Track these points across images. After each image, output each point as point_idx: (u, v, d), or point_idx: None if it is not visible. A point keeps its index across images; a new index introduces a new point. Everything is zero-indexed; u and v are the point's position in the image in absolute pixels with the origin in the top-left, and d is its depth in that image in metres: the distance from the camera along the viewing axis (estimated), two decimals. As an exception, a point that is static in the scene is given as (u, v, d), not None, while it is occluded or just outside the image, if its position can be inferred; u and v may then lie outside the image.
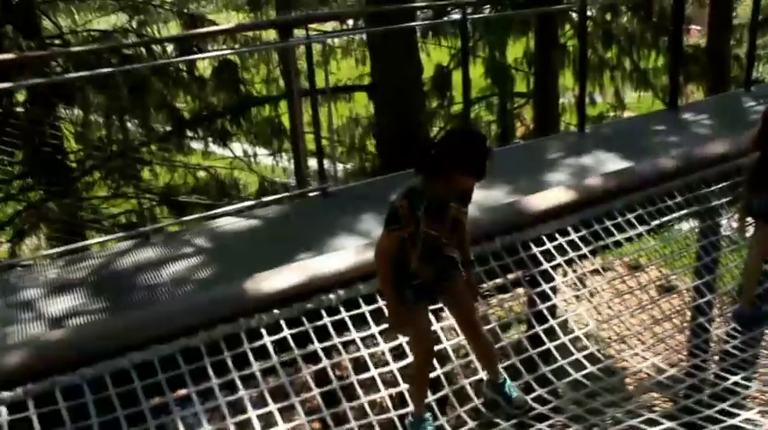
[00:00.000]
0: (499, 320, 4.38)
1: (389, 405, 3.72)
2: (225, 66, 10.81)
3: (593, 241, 4.77)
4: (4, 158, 8.74)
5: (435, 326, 3.95)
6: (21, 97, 9.10)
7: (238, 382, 3.60)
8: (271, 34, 11.74)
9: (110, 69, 5.40)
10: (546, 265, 4.53)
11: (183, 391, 3.58)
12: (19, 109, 9.07)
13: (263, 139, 11.65)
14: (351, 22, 13.15)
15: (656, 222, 5.11)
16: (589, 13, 10.71)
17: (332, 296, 3.99)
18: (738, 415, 3.39)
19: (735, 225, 5.31)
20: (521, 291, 4.58)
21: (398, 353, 3.95)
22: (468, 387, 3.86)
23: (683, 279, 5.47)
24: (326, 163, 6.37)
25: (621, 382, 4.23)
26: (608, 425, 3.46)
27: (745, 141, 5.68)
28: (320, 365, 3.80)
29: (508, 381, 3.68)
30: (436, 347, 3.88)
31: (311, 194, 6.12)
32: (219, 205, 6.45)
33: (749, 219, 5.25)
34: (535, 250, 4.55)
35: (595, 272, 4.99)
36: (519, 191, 5.42)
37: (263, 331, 3.79)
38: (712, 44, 11.93)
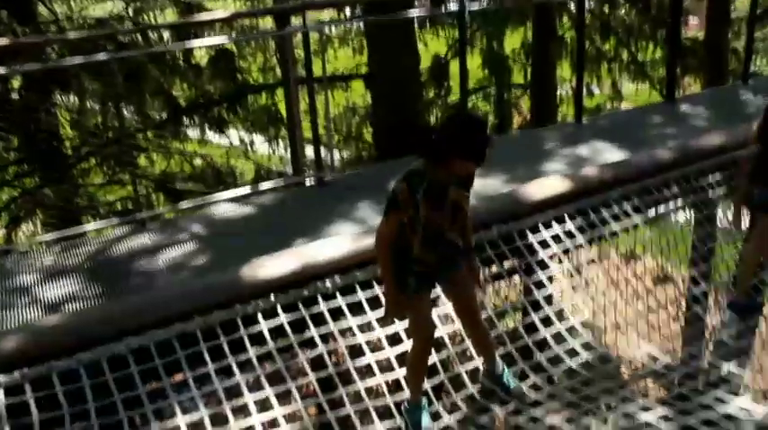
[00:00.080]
0: (495, 308, 4.39)
1: (385, 391, 3.74)
2: (221, 54, 10.78)
3: (589, 231, 4.78)
4: (0, 144, 8.71)
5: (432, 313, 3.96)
6: (16, 83, 9.06)
7: (235, 367, 3.61)
8: (268, 22, 11.72)
9: (105, 56, 5.37)
10: (542, 254, 4.54)
11: (179, 376, 3.59)
12: (14, 95, 9.04)
13: (260, 127, 11.64)
14: (348, 11, 13.10)
15: (653, 213, 5.12)
16: (587, 5, 10.69)
17: (328, 282, 4.00)
18: (732, 402, 3.41)
19: (730, 216, 5.33)
20: (517, 279, 4.59)
21: (394, 340, 3.97)
22: (464, 374, 3.87)
23: (678, 269, 5.49)
24: (323, 151, 6.37)
25: (616, 370, 4.25)
26: (602, 411, 3.49)
27: (742, 134, 5.71)
28: (316, 351, 3.81)
29: (506, 371, 3.69)
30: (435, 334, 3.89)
31: (307, 183, 6.12)
32: (215, 192, 6.44)
33: (745, 211, 5.28)
34: (531, 239, 4.55)
35: (591, 261, 5.00)
36: (516, 180, 5.43)
37: (260, 317, 3.80)
38: (710, 37, 11.94)
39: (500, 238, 4.43)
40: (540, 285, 4.41)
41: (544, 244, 4.57)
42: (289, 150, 8.75)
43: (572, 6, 11.90)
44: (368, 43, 9.40)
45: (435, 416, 3.59)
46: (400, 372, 3.80)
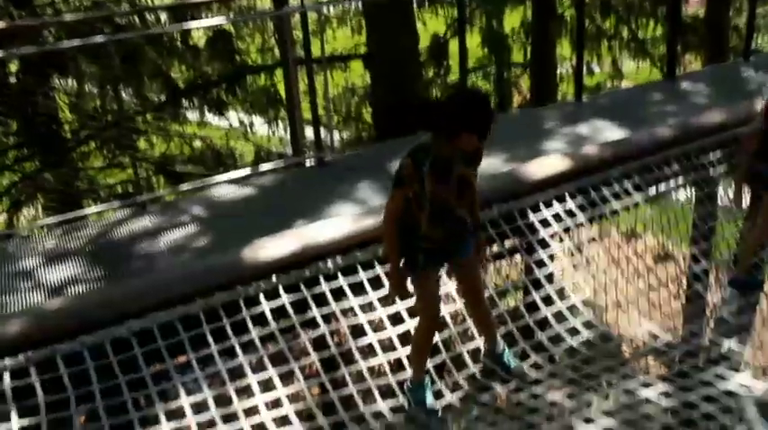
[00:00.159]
0: (496, 287, 4.40)
1: (387, 370, 3.76)
2: (219, 35, 10.70)
3: (589, 209, 4.78)
4: (-1, 129, 8.70)
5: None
6: (13, 67, 9.01)
7: (238, 349, 3.63)
8: (266, 2, 11.64)
9: (103, 38, 5.34)
10: (543, 233, 4.55)
11: (182, 358, 3.61)
12: (12, 79, 8.99)
13: (259, 109, 11.59)
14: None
15: (653, 190, 5.12)
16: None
17: (329, 263, 4.01)
18: (732, 379, 3.43)
19: (731, 194, 5.33)
20: (518, 258, 4.60)
21: (396, 319, 3.98)
22: (465, 353, 3.89)
23: (678, 247, 5.50)
24: (323, 132, 6.35)
25: (617, 348, 4.27)
26: (603, 388, 3.51)
27: (743, 111, 5.70)
28: (318, 331, 3.83)
29: (507, 351, 3.71)
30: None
31: (307, 163, 6.11)
32: (215, 174, 6.42)
33: (745, 189, 5.28)
34: (532, 218, 4.56)
35: (592, 239, 5.01)
36: (516, 159, 5.41)
37: (262, 298, 3.82)
38: (711, 14, 11.85)
39: (501, 217, 4.43)
40: (540, 264, 4.42)
41: (545, 222, 4.58)
42: (288, 131, 8.72)
43: (572, -16, 11.82)
44: (366, 23, 9.34)
45: (437, 395, 3.61)
46: (402, 352, 3.82)
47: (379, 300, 4.01)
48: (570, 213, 4.67)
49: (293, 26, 6.53)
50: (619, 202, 4.90)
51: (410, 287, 3.44)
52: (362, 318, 3.93)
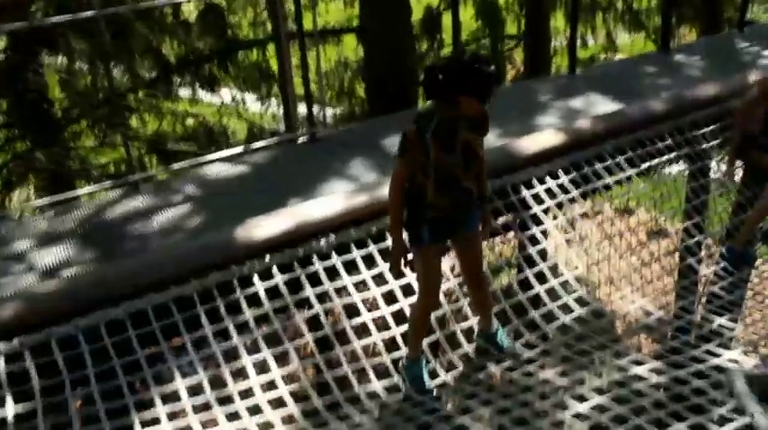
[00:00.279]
0: (489, 265, 4.41)
1: (382, 349, 3.78)
2: (210, 9, 10.58)
3: (583, 184, 4.78)
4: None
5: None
6: (1, 44, 8.90)
7: (232, 330, 3.64)
8: (257, -24, 11.49)
9: (92, 13, 5.26)
10: (536, 208, 4.55)
11: (177, 340, 3.62)
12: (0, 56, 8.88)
13: (252, 84, 11.49)
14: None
15: (646, 165, 5.12)
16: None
17: (323, 242, 4.01)
18: (722, 355, 3.46)
19: (724, 168, 5.34)
20: (511, 234, 4.60)
21: (390, 298, 3.99)
22: (459, 332, 3.91)
23: (671, 222, 5.50)
24: (315, 107, 6.30)
25: (610, 325, 4.30)
26: (596, 366, 3.53)
27: (738, 83, 5.68)
28: (313, 311, 3.84)
29: (500, 330, 3.73)
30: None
31: (300, 139, 6.07)
32: (208, 152, 6.38)
33: (738, 163, 5.28)
34: (525, 193, 4.56)
35: (585, 215, 5.01)
36: (509, 133, 5.39)
37: (256, 278, 3.82)
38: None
39: (494, 193, 4.42)
40: (534, 240, 4.43)
41: (538, 198, 4.58)
42: (281, 107, 8.66)
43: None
44: (359, -4, 9.25)
45: (432, 374, 3.63)
46: (397, 331, 3.84)
47: (373, 278, 4.02)
48: (563, 188, 4.67)
49: None
50: (612, 177, 4.90)
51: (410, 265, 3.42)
52: (356, 297, 3.93)
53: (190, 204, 4.95)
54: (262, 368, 3.57)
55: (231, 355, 3.59)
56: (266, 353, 3.60)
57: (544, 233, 4.53)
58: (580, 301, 4.15)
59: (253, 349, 3.64)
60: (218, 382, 3.45)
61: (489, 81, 2.97)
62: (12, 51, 8.56)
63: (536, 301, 4.15)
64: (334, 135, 6.23)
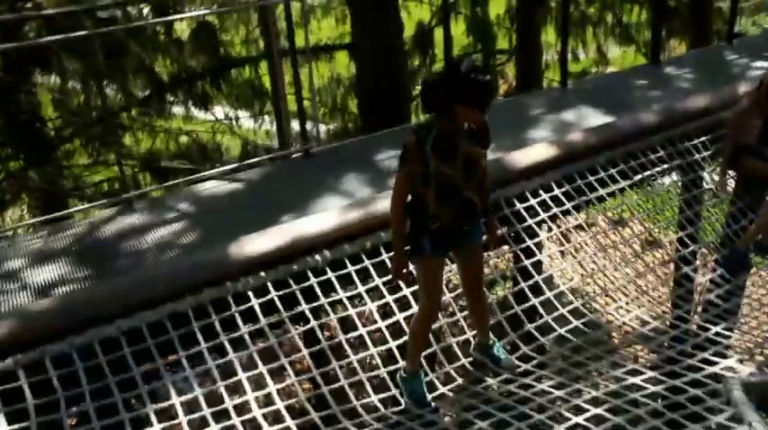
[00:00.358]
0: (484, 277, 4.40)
1: (379, 362, 3.76)
2: (203, 27, 10.62)
3: (576, 196, 4.80)
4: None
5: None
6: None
7: (227, 346, 3.63)
8: (249, -7, 11.52)
9: (85, 33, 5.28)
10: (530, 221, 4.56)
11: (173, 357, 3.60)
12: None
13: (245, 102, 11.52)
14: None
15: (639, 177, 5.14)
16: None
17: (317, 257, 4.01)
18: (719, 363, 3.46)
19: (716, 179, 5.36)
20: (505, 247, 4.60)
21: (386, 312, 3.99)
22: (455, 346, 3.91)
23: (665, 232, 5.53)
24: (308, 124, 6.33)
25: (606, 336, 4.30)
26: (593, 376, 3.53)
27: (727, 95, 5.72)
28: (308, 326, 3.84)
29: (497, 343, 3.72)
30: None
31: (294, 156, 6.09)
32: (202, 170, 6.39)
33: (730, 173, 5.31)
34: (519, 206, 4.57)
35: (579, 227, 5.03)
36: (502, 147, 5.40)
37: (251, 294, 3.81)
38: (694, -3, 11.88)
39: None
40: (528, 253, 4.44)
41: (532, 211, 4.59)
42: (274, 124, 8.69)
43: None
44: (350, 12, 9.30)
45: (430, 386, 3.62)
46: (393, 343, 3.83)
47: (368, 292, 4.02)
48: (557, 201, 4.69)
49: (277, 17, 6.51)
50: (605, 189, 4.92)
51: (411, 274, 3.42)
52: (352, 311, 3.93)
53: (184, 221, 4.95)
54: (258, 383, 3.55)
55: (227, 371, 3.57)
56: (262, 369, 3.58)
57: (538, 246, 4.54)
58: (576, 313, 4.15)
59: (248, 364, 3.62)
60: (213, 398, 3.43)
61: (485, 90, 2.99)
62: (4, 71, 8.56)
63: (532, 313, 4.15)
64: (327, 151, 6.25)
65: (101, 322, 3.55)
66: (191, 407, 3.39)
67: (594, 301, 4.59)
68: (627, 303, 4.39)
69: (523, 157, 4.90)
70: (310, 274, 3.96)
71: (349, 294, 3.98)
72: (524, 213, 4.56)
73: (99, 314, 3.58)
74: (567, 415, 3.12)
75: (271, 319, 3.78)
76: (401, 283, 3.96)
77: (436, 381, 3.72)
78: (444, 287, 3.81)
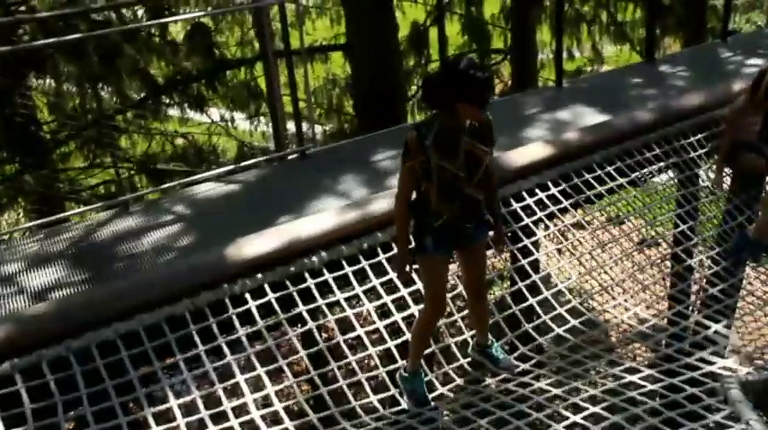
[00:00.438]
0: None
1: (378, 363, 3.76)
2: (197, 29, 10.60)
3: (573, 195, 4.81)
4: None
5: (419, 285, 3.99)
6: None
7: (225, 348, 3.62)
8: (243, -5, 11.51)
9: (79, 35, 5.28)
10: (527, 220, 4.56)
11: (170, 360, 3.60)
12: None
13: (240, 103, 11.51)
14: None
15: (635, 174, 5.15)
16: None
17: (314, 258, 4.00)
18: (717, 362, 3.47)
19: (712, 176, 5.37)
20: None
21: (384, 312, 3.99)
22: (453, 346, 3.91)
23: (663, 229, 5.53)
24: (304, 125, 6.32)
25: (604, 334, 4.30)
26: (590, 375, 3.53)
27: (722, 93, 5.73)
28: (306, 327, 3.83)
29: (495, 344, 3.72)
30: (422, 306, 3.92)
31: (290, 157, 6.08)
32: (198, 172, 6.38)
33: (726, 170, 5.32)
34: (516, 206, 4.57)
35: (576, 225, 5.03)
36: (498, 147, 5.34)
37: (248, 296, 3.81)
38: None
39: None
40: (526, 252, 4.44)
41: (529, 210, 4.59)
42: (270, 125, 8.67)
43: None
44: (345, 12, 9.30)
45: (429, 387, 3.62)
46: (391, 343, 3.83)
47: (365, 293, 4.02)
48: (554, 200, 4.69)
49: (272, 18, 6.49)
50: (601, 187, 4.93)
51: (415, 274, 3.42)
52: (349, 312, 3.93)
53: (180, 224, 4.94)
54: (256, 385, 3.55)
55: (225, 373, 3.56)
56: (260, 371, 3.58)
57: (536, 244, 4.54)
58: (573, 312, 4.15)
59: (247, 366, 3.62)
60: (212, 400, 3.43)
61: (484, 87, 3.00)
62: (-1, 74, 8.54)
63: (530, 313, 4.15)
64: (323, 152, 6.25)
65: (98, 325, 3.54)
66: (189, 409, 3.38)
67: (592, 299, 4.60)
68: (625, 300, 4.40)
69: (519, 157, 4.90)
70: (307, 276, 3.96)
71: (346, 295, 3.97)
72: (521, 212, 4.56)
73: (96, 317, 3.57)
74: (566, 413, 3.12)
75: (268, 321, 3.78)
76: (399, 283, 3.96)
77: (435, 381, 3.72)
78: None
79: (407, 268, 3.37)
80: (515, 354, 3.84)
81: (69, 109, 9.82)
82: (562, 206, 4.71)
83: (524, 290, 4.23)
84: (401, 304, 4.03)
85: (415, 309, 3.97)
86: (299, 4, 7.07)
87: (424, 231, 3.25)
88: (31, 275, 4.37)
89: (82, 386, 3.35)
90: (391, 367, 3.74)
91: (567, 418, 3.07)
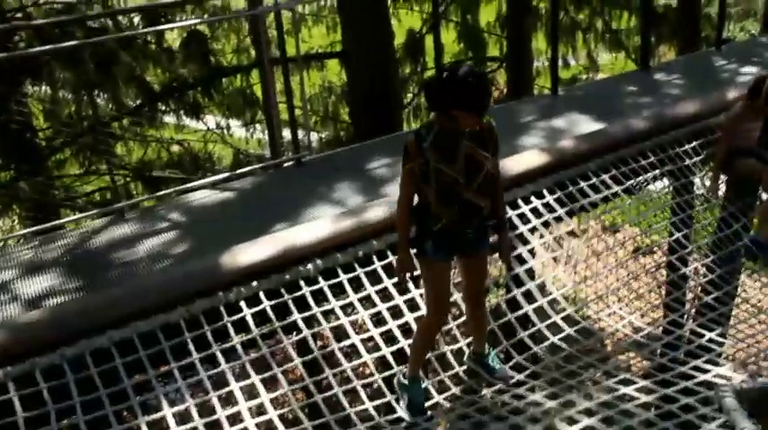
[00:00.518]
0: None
1: (373, 370, 3.76)
2: (193, 36, 10.62)
3: (568, 203, 4.81)
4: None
5: (414, 293, 3.99)
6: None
7: (220, 356, 3.61)
8: (240, 2, 11.56)
9: (75, 42, 5.28)
10: (522, 229, 4.57)
11: (164, 367, 3.58)
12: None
13: (236, 111, 11.52)
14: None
15: (630, 182, 5.16)
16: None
17: (309, 266, 4.00)
18: (711, 371, 3.47)
19: (707, 184, 5.39)
20: (497, 255, 4.60)
21: (379, 320, 3.98)
22: (449, 354, 3.90)
23: (658, 237, 5.54)
24: (300, 132, 6.32)
25: (599, 343, 4.30)
26: (585, 386, 3.53)
27: (717, 101, 5.75)
28: (301, 335, 3.83)
29: (492, 354, 3.71)
30: (418, 313, 3.91)
31: (286, 164, 6.08)
32: (194, 179, 6.37)
33: (722, 177, 5.34)
34: (511, 213, 4.57)
35: (571, 233, 5.03)
36: (494, 155, 5.42)
37: (243, 304, 3.80)
38: (683, 3, 11.95)
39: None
40: (521, 260, 4.44)
41: (523, 218, 4.59)
42: (266, 132, 8.68)
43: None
44: (341, 20, 9.32)
45: (424, 394, 3.61)
46: (386, 351, 3.83)
47: (361, 301, 4.01)
48: (549, 207, 4.70)
49: (268, 25, 6.51)
50: (597, 195, 4.93)
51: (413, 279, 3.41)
52: (344, 320, 3.92)
53: (176, 231, 4.93)
54: (250, 393, 3.53)
55: (219, 381, 3.55)
56: (255, 379, 3.57)
57: (531, 252, 4.54)
58: (569, 320, 4.15)
59: (241, 375, 3.60)
60: (206, 409, 3.42)
61: (481, 95, 2.99)
62: (-5, 81, 8.54)
63: (525, 322, 4.14)
64: (319, 160, 6.24)
65: (92, 333, 3.53)
66: (183, 418, 3.37)
67: (588, 307, 4.59)
68: (620, 308, 4.40)
69: (515, 164, 4.90)
70: (303, 283, 3.95)
71: (341, 303, 3.97)
72: (516, 220, 4.56)
73: (90, 325, 3.56)
74: (561, 426, 3.11)
75: (263, 329, 3.77)
76: (394, 291, 3.96)
77: (431, 388, 3.71)
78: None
79: (407, 273, 3.36)
80: (510, 364, 3.83)
81: (65, 116, 9.82)
82: (557, 214, 4.71)
83: (520, 298, 4.23)
84: (396, 312, 4.02)
85: (410, 317, 3.96)
86: (295, 11, 7.09)
87: (424, 235, 3.26)
88: (25, 282, 4.35)
89: (75, 394, 3.33)
90: (386, 373, 3.73)
91: None
